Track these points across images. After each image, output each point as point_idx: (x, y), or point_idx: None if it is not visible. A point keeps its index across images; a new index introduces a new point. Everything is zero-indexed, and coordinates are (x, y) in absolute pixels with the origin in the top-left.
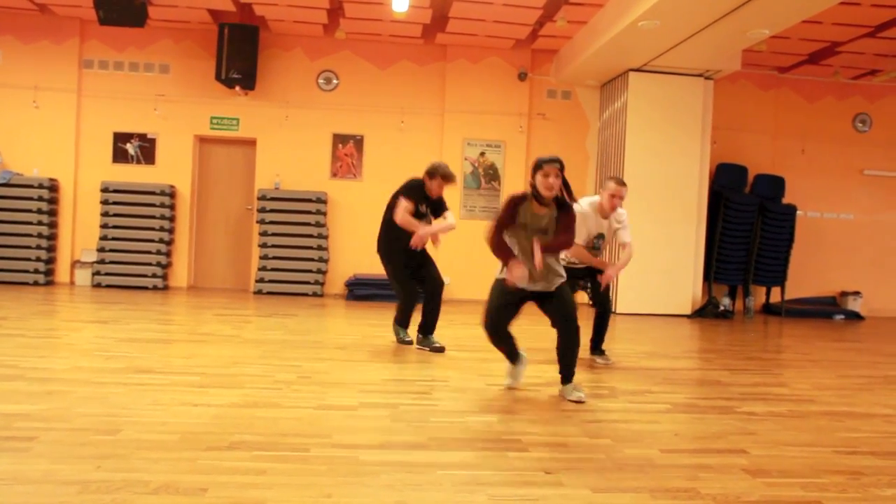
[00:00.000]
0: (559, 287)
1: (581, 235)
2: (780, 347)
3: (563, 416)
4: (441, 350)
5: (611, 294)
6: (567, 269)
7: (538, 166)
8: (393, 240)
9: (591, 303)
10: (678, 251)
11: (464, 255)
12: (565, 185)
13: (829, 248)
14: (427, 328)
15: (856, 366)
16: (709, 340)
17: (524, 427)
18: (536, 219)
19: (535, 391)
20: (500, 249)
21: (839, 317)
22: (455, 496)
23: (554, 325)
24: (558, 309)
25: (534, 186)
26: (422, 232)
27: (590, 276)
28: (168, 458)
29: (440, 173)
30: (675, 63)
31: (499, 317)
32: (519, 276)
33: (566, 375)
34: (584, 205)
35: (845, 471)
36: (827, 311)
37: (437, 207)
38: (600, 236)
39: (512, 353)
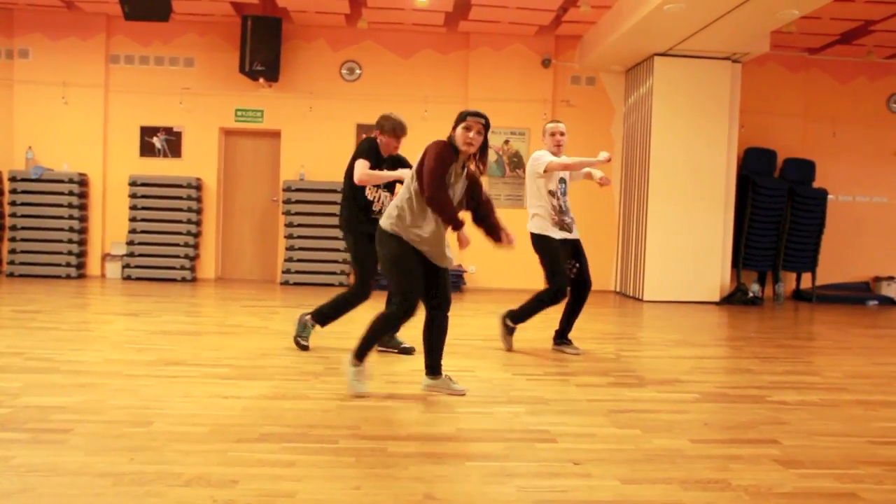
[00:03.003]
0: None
1: (553, 180)
2: (812, 335)
3: (591, 407)
4: (409, 352)
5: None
6: (552, 240)
7: (462, 118)
8: (356, 211)
9: (573, 278)
10: (705, 237)
11: (488, 243)
12: (483, 148)
13: (861, 232)
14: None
15: (890, 353)
16: (738, 328)
17: (552, 418)
18: (458, 180)
19: (563, 380)
20: (449, 208)
21: (873, 302)
22: (483, 487)
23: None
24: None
25: (451, 139)
26: (382, 175)
27: (575, 253)
28: (199, 451)
29: (388, 127)
30: (702, 46)
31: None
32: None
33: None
34: (540, 153)
35: (881, 462)
36: (860, 296)
37: (396, 167)
38: (562, 181)
39: None
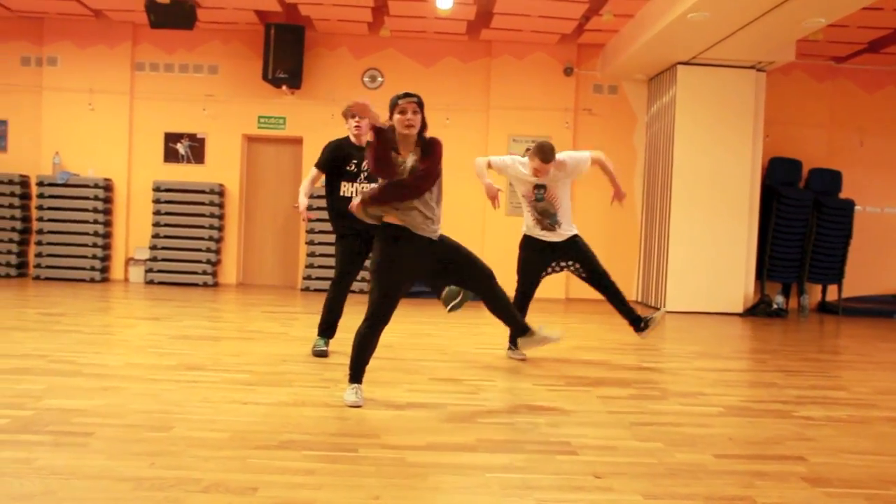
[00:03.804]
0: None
1: (518, 184)
2: (838, 348)
3: (612, 419)
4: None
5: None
6: (539, 244)
7: (394, 104)
8: (335, 216)
9: (587, 281)
10: (729, 248)
11: (509, 251)
12: (423, 126)
13: (890, 244)
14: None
15: None
16: (762, 340)
17: (573, 430)
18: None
19: (585, 391)
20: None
21: None
22: (504, 500)
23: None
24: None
25: (392, 128)
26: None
27: (571, 251)
28: (219, 457)
29: (346, 111)
30: (726, 55)
31: None
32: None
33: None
34: (514, 158)
35: None
36: (887, 310)
37: None
38: (541, 187)
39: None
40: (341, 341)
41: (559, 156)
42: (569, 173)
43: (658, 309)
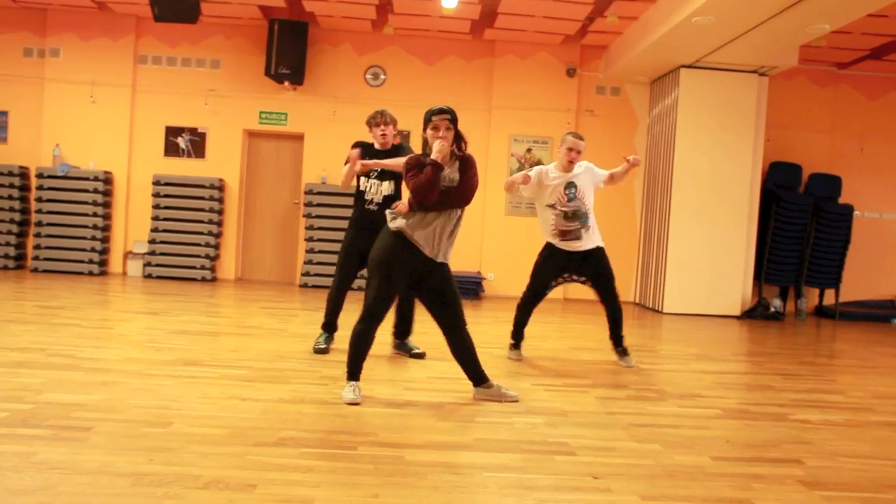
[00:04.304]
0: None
1: (545, 194)
2: (835, 352)
3: (610, 420)
4: (421, 356)
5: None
6: (562, 254)
7: (427, 119)
8: (353, 220)
9: (598, 298)
10: (728, 250)
11: (507, 250)
12: (458, 138)
13: (888, 249)
14: (404, 332)
15: None
16: (759, 343)
17: (571, 430)
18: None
19: (583, 392)
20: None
21: None
22: (502, 499)
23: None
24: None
25: (426, 142)
26: (352, 168)
27: (585, 263)
28: (218, 453)
29: (370, 120)
30: (729, 59)
31: None
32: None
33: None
34: (543, 165)
35: None
36: (884, 314)
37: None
38: (572, 185)
39: None
40: (339, 339)
41: (588, 163)
42: (593, 178)
43: (628, 360)
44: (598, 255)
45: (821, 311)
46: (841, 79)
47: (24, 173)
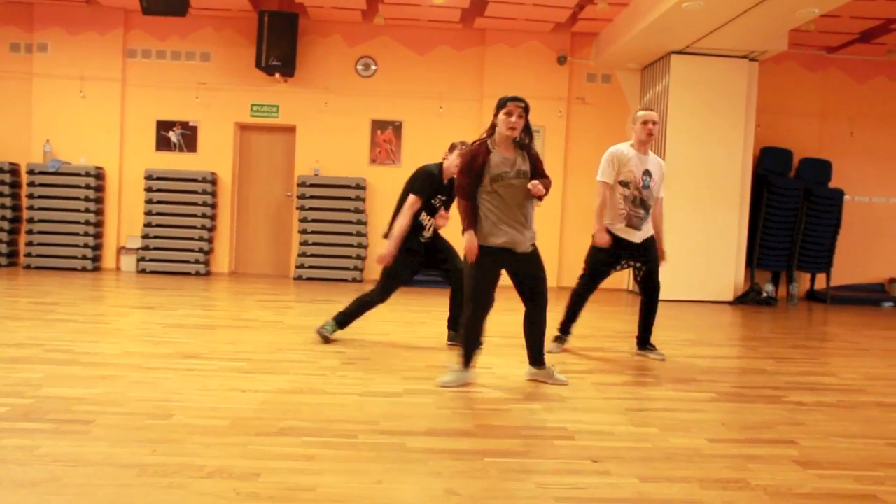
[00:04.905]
0: (534, 246)
1: (622, 171)
2: (826, 335)
3: (607, 405)
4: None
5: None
6: (620, 242)
7: (502, 104)
8: (408, 232)
9: (638, 285)
10: (720, 236)
11: None
12: (528, 129)
13: (878, 233)
14: (457, 322)
15: None
16: (752, 328)
17: (569, 415)
18: (509, 162)
19: (580, 378)
20: (468, 218)
21: (888, 304)
22: (503, 483)
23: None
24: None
25: (494, 127)
26: (385, 253)
27: (641, 254)
28: (220, 443)
29: (458, 148)
30: (719, 45)
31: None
32: (471, 248)
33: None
34: (618, 146)
35: None
36: (875, 298)
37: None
38: (647, 173)
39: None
40: (343, 332)
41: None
42: (662, 177)
43: (660, 353)
44: (650, 244)
45: (812, 296)
46: (830, 63)
47: (14, 170)
